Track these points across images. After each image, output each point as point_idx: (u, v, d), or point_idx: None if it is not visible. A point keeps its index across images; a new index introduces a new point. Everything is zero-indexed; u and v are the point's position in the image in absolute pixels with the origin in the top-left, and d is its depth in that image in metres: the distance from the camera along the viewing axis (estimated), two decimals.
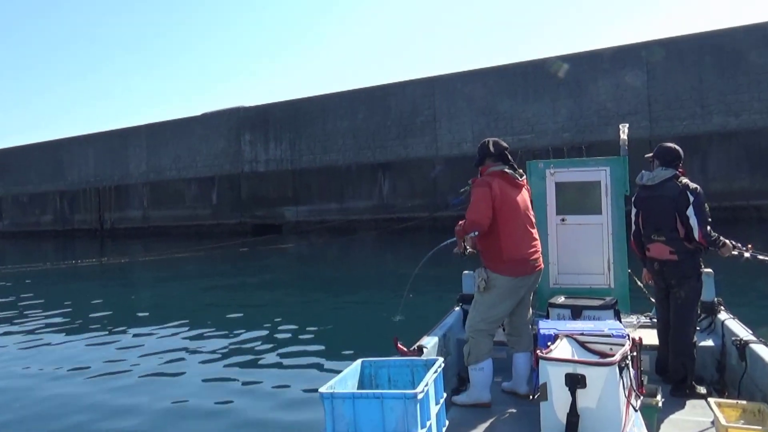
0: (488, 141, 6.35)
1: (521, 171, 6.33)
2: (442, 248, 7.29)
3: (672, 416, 5.70)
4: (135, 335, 13.71)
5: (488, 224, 5.96)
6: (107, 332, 14.10)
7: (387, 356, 5.42)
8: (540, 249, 6.35)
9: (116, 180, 52.04)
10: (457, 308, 8.13)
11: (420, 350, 6.08)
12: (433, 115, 37.40)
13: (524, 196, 6.28)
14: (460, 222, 6.14)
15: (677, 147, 6.66)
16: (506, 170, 6.16)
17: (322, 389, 4.37)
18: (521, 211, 6.16)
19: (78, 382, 10.22)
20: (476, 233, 6.08)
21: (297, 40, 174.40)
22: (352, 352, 11.00)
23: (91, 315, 16.21)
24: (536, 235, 6.34)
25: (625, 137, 8.26)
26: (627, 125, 8.46)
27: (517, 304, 6.19)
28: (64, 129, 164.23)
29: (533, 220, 6.37)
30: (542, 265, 6.36)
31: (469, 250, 6.28)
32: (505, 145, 6.35)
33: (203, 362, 11.18)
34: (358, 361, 5.13)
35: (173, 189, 48.56)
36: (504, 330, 6.70)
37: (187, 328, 14.01)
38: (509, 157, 6.28)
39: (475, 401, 5.95)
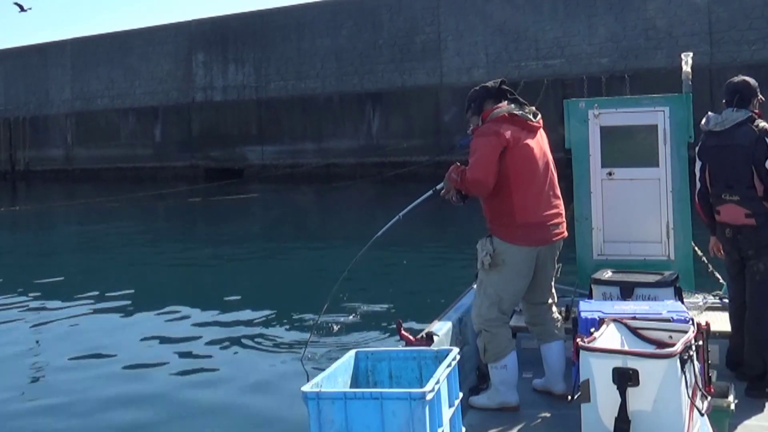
0: (479, 86, 6.35)
1: (533, 108, 6.25)
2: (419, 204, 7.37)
3: (747, 421, 5.76)
4: (52, 308, 13.73)
5: (493, 185, 5.87)
6: (15, 304, 14.09)
7: (388, 345, 5.42)
8: (563, 211, 6.35)
9: (32, 110, 51.83)
10: (475, 286, 8.14)
11: (430, 338, 6.06)
12: (438, 34, 37.32)
13: (541, 143, 6.21)
14: (457, 168, 6.09)
15: (751, 80, 6.61)
16: (514, 111, 6.06)
17: (306, 387, 4.33)
18: (539, 163, 6.10)
19: None
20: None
21: None
22: (342, 338, 11.04)
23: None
24: (558, 193, 6.32)
25: (689, 69, 8.20)
26: (690, 54, 8.39)
27: (534, 281, 6.18)
28: None
29: (554, 173, 6.31)
30: (566, 233, 6.36)
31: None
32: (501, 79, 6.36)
33: (141, 344, 11.30)
34: (352, 352, 5.09)
35: (105, 122, 48.43)
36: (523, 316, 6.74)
37: (118, 300, 14.04)
38: (512, 92, 6.22)
39: (500, 404, 5.95)
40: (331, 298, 9.55)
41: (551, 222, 6.09)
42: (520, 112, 6.06)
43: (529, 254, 5.99)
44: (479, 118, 6.15)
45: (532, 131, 6.12)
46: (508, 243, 5.93)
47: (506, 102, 6.10)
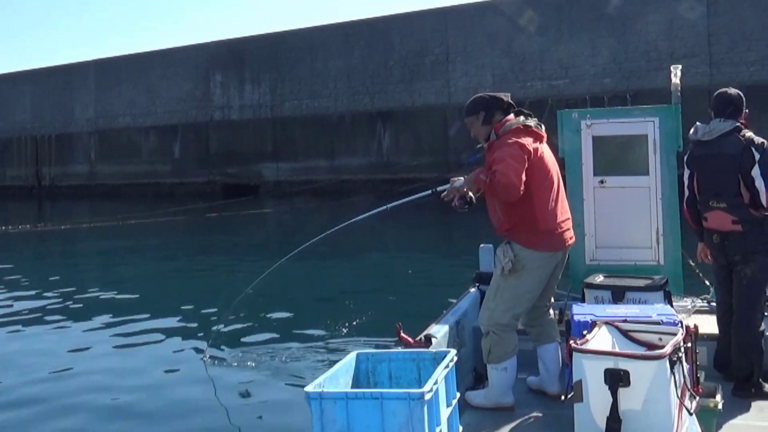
0: (485, 95, 6.31)
1: (537, 120, 6.22)
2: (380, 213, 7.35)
3: (734, 421, 5.75)
4: (78, 321, 13.75)
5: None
6: (42, 318, 14.12)
7: (387, 347, 5.43)
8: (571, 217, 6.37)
9: (57, 128, 52.03)
10: (473, 289, 8.14)
11: (428, 340, 6.05)
12: (446, 55, 37.36)
13: (550, 152, 6.21)
14: (486, 171, 5.92)
15: (737, 92, 6.64)
16: (528, 123, 6.05)
17: (309, 388, 4.34)
18: (552, 171, 6.11)
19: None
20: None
21: None
22: (344, 341, 11.07)
23: (23, 294, 16.24)
24: (566, 200, 6.35)
25: (678, 81, 8.26)
26: (680, 67, 8.44)
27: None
28: None
29: (561, 181, 6.33)
30: (575, 237, 6.37)
31: (473, 196, 6.16)
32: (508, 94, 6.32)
33: (164, 354, 11.27)
34: (353, 354, 5.12)
35: (127, 139, 48.57)
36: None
37: (141, 312, 14.04)
38: (515, 105, 6.19)
39: (496, 404, 5.95)
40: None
41: (567, 228, 6.12)
42: (534, 123, 6.08)
43: (549, 259, 6.01)
44: (490, 128, 6.11)
45: (543, 141, 6.13)
46: (529, 249, 5.90)
47: (513, 115, 6.09)
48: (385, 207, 8.19)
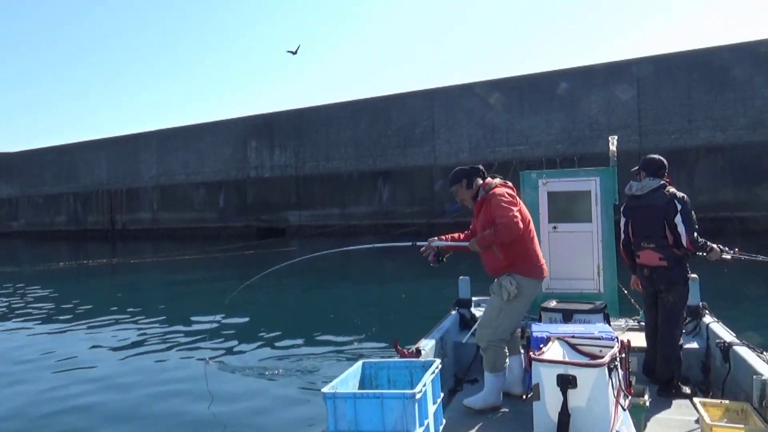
0: (466, 166, 6.22)
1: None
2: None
3: (658, 415, 5.72)
4: (141, 334, 13.71)
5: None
6: (116, 330, 14.12)
7: (387, 358, 5.43)
8: None
9: (128, 183, 52.02)
10: (453, 312, 8.12)
11: (418, 352, 6.04)
12: (432, 126, 37.41)
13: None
14: (484, 233, 5.85)
15: (662, 158, 6.69)
16: (506, 181, 6.06)
17: (325, 389, 4.38)
18: (530, 219, 6.12)
19: (84, 380, 10.22)
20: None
21: (302, 52, 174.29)
22: (353, 353, 11.02)
23: (100, 313, 16.23)
24: None
25: (614, 149, 8.29)
26: (616, 137, 8.48)
27: None
28: (78, 134, 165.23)
29: None
30: None
31: (446, 255, 6.19)
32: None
33: (206, 360, 11.19)
34: (359, 363, 5.13)
35: (182, 193, 48.52)
36: None
37: (194, 329, 14.02)
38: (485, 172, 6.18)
39: (493, 404, 5.85)
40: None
41: (543, 262, 6.08)
42: (509, 182, 6.07)
43: (538, 285, 6.04)
44: (474, 191, 6.05)
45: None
46: (528, 278, 5.86)
47: (489, 177, 6.08)
48: (372, 245, 8.16)
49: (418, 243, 6.44)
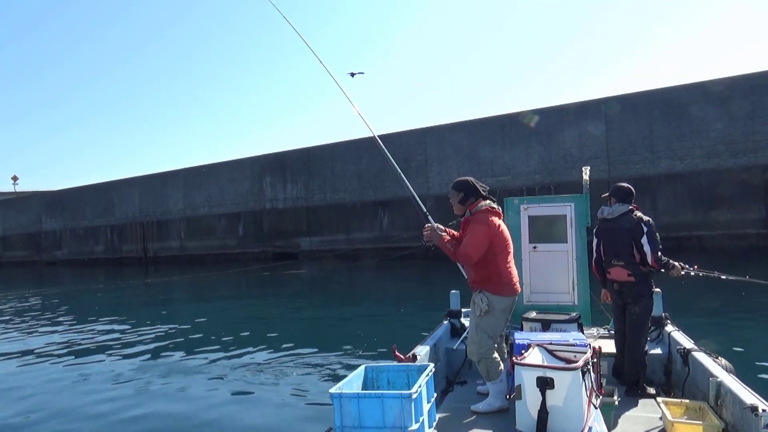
0: (470, 180, 6.10)
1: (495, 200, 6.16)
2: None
3: (626, 413, 5.72)
4: (170, 344, 13.71)
5: (476, 261, 5.75)
6: (146, 341, 14.08)
7: (387, 362, 5.44)
8: None
9: (158, 215, 51.94)
10: (445, 322, 8.13)
11: (414, 357, 6.06)
12: (425, 160, 37.45)
13: (505, 226, 6.12)
14: (449, 243, 5.87)
15: (630, 186, 6.75)
16: (493, 206, 6.00)
17: (332, 390, 4.40)
18: (509, 240, 6.05)
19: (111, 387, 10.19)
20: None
21: (310, 98, 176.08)
22: (357, 358, 11.01)
23: (134, 327, 16.19)
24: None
25: (587, 178, 8.33)
26: (588, 168, 8.52)
27: None
28: (113, 173, 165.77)
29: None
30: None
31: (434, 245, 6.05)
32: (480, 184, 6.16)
33: (230, 365, 11.18)
34: (362, 367, 5.15)
35: (206, 223, 48.44)
36: None
37: (216, 339, 13.97)
38: (485, 190, 6.11)
39: (498, 408, 5.79)
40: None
41: (517, 280, 6.03)
42: (495, 205, 6.01)
43: (508, 302, 5.93)
44: (464, 208, 6.02)
45: (501, 218, 6.06)
46: (496, 295, 5.84)
47: (481, 198, 6.01)
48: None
49: (430, 222, 6.27)
